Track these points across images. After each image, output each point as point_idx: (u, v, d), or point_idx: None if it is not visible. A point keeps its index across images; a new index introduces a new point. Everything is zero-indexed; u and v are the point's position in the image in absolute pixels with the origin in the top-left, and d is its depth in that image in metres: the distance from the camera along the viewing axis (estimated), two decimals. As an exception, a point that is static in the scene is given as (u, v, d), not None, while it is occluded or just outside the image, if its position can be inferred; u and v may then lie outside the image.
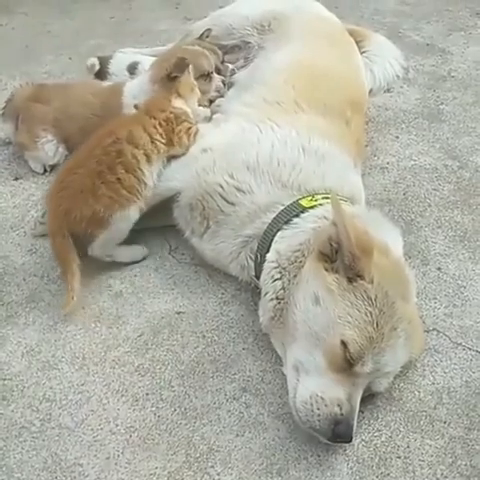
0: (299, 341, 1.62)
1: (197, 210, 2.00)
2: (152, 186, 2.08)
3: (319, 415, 1.52)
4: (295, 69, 2.28)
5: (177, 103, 2.17)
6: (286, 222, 1.80)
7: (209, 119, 2.31)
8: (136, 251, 2.14)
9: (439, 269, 2.02)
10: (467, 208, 2.23)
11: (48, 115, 2.44)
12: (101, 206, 1.99)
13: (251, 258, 1.88)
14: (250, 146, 2.00)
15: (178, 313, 1.95)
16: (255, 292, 1.88)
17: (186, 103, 2.20)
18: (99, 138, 2.11)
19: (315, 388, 1.54)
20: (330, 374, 1.55)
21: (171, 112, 2.13)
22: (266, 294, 1.74)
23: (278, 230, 1.80)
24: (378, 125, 2.62)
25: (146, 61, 2.72)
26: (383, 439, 1.61)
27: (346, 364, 1.54)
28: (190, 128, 2.13)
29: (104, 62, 2.76)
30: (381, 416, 1.66)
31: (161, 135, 2.08)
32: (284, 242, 1.75)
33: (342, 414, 1.52)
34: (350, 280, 1.58)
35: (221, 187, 1.94)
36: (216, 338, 1.86)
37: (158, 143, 2.07)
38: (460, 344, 1.81)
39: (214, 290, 2.02)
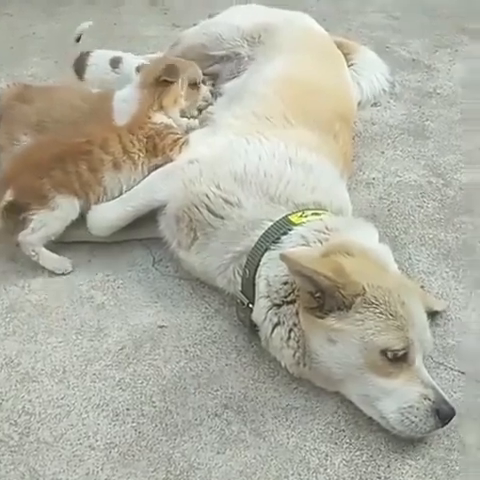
0: (346, 381, 1.65)
1: (184, 222, 1.98)
2: (116, 193, 2.14)
3: (420, 420, 1.57)
4: (284, 82, 2.28)
5: (157, 118, 2.18)
6: (274, 241, 1.79)
7: (198, 127, 2.31)
8: (62, 263, 2.12)
9: (422, 287, 2.02)
10: (451, 226, 2.24)
11: (31, 117, 2.37)
12: (49, 184, 2.06)
13: (239, 273, 1.87)
14: (237, 157, 1.99)
15: (161, 327, 1.93)
16: (239, 307, 1.87)
17: (167, 114, 2.20)
18: (74, 134, 2.17)
19: (397, 405, 1.58)
20: (396, 383, 1.59)
21: (151, 128, 2.15)
22: (273, 340, 1.73)
23: (266, 249, 1.79)
24: (365, 140, 2.63)
25: (128, 58, 2.71)
26: (364, 458, 1.61)
27: (399, 363, 1.59)
28: (177, 140, 2.14)
29: (84, 56, 2.71)
30: (362, 435, 1.66)
31: (140, 150, 2.13)
32: (272, 267, 1.75)
33: (434, 401, 1.57)
34: (347, 307, 1.60)
35: (208, 198, 1.93)
36: (199, 353, 1.85)
37: (133, 155, 2.11)
38: (442, 364, 1.81)
39: (197, 304, 2.00)
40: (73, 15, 3.70)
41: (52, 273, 2.09)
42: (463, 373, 1.78)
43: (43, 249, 2.09)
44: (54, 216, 2.08)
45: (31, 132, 2.37)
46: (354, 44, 2.99)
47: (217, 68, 2.76)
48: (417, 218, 2.29)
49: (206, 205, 1.93)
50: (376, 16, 3.56)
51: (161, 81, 2.27)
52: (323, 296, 1.63)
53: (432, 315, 1.85)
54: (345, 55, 2.83)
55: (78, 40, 2.70)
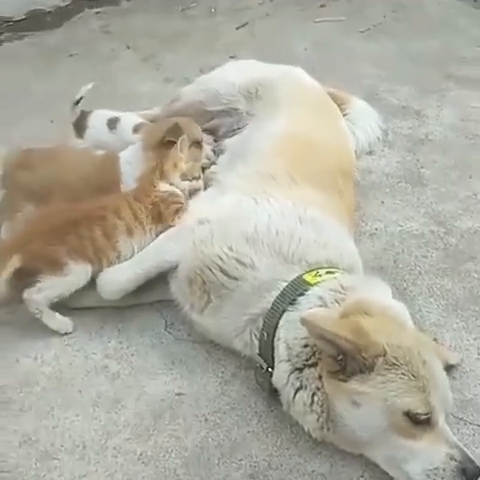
0: (371, 443, 1.64)
1: (196, 284, 1.99)
2: (128, 257, 2.16)
3: None
4: (286, 140, 2.32)
5: (161, 186, 2.21)
6: (291, 302, 1.80)
7: (202, 189, 2.33)
8: (64, 324, 2.12)
9: (435, 340, 2.04)
10: (456, 276, 2.27)
11: (34, 184, 2.37)
12: (62, 249, 2.06)
13: (256, 336, 1.87)
14: (248, 217, 2.02)
15: (178, 395, 1.92)
16: (258, 371, 1.87)
17: (169, 181, 2.23)
18: (87, 204, 2.20)
19: (423, 466, 1.58)
20: (421, 444, 1.59)
21: (156, 196, 2.18)
22: (295, 405, 1.72)
23: (283, 311, 1.80)
24: (363, 189, 2.67)
25: (126, 118, 2.74)
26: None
27: (423, 424, 1.59)
28: (179, 209, 2.19)
29: (85, 115, 2.74)
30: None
31: (147, 217, 2.17)
32: (291, 329, 1.75)
33: (460, 461, 1.57)
34: (369, 369, 1.60)
35: (221, 259, 1.94)
36: (219, 421, 1.84)
37: (143, 222, 2.15)
38: (461, 419, 1.82)
39: (214, 368, 1.99)
40: (67, 73, 3.73)
41: (66, 344, 2.08)
42: (483, 427, 1.79)
43: (47, 308, 2.08)
44: (65, 281, 2.08)
45: (35, 199, 2.37)
46: (345, 94, 3.05)
47: (216, 123, 2.80)
48: (423, 268, 2.31)
49: (219, 266, 1.94)
50: (363, 65, 3.63)
51: (166, 142, 2.30)
52: (345, 359, 1.63)
53: (447, 369, 1.86)
54: (338, 106, 2.89)
55: (77, 102, 2.72)
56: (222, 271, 1.93)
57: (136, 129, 2.64)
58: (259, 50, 3.76)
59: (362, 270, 2.06)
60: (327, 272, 1.86)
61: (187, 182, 2.28)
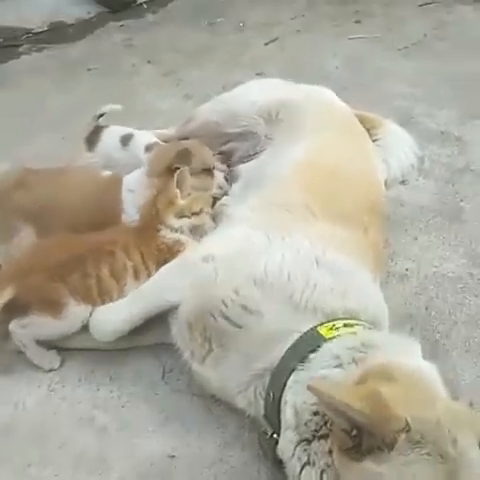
0: None
1: (197, 330, 1.75)
2: None
3: None
4: (306, 168, 2.07)
5: (167, 233, 1.99)
6: (301, 359, 1.54)
7: (211, 226, 2.07)
8: (49, 360, 1.92)
9: (471, 405, 1.76)
10: (498, 328, 1.99)
11: (31, 204, 2.18)
12: (65, 288, 1.84)
13: (261, 395, 1.62)
14: (257, 256, 1.77)
15: (171, 457, 1.68)
16: (262, 436, 1.61)
17: (162, 221, 1.99)
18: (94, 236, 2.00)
19: None
20: None
21: (162, 242, 1.97)
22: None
23: (293, 370, 1.54)
24: (394, 223, 2.40)
25: (140, 135, 2.56)
26: None
27: None
28: None
29: (99, 130, 2.58)
30: None
31: (152, 262, 1.94)
32: (300, 392, 1.49)
33: None
34: (389, 446, 1.32)
35: (224, 304, 1.70)
36: (214, 493, 1.59)
37: (149, 266, 1.93)
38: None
39: (213, 428, 1.75)
40: (85, 88, 3.60)
41: (51, 390, 1.87)
42: None
43: (33, 343, 1.88)
44: (59, 323, 1.86)
45: (32, 221, 2.18)
46: (377, 117, 2.79)
47: (232, 146, 2.56)
48: (459, 318, 2.03)
49: (222, 312, 1.69)
50: (397, 85, 3.36)
51: (173, 169, 2.08)
52: (360, 434, 1.36)
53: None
54: (368, 130, 2.64)
55: (99, 118, 2.56)
56: (225, 317, 1.68)
57: (148, 148, 2.44)
58: (288, 67, 3.56)
59: (388, 320, 1.79)
60: (345, 325, 1.60)
61: (186, 220, 2.02)
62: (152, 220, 2.00)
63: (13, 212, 2.21)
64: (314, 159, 2.11)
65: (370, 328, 1.65)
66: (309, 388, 1.37)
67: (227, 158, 2.57)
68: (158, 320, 1.90)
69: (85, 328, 1.91)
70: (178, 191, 2.01)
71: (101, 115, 2.55)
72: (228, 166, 2.51)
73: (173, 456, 1.68)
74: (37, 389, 1.87)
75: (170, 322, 1.86)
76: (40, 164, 2.82)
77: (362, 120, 2.64)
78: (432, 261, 2.25)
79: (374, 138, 2.66)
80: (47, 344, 1.92)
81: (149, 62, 3.83)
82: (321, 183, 2.01)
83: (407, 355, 1.54)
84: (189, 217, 2.01)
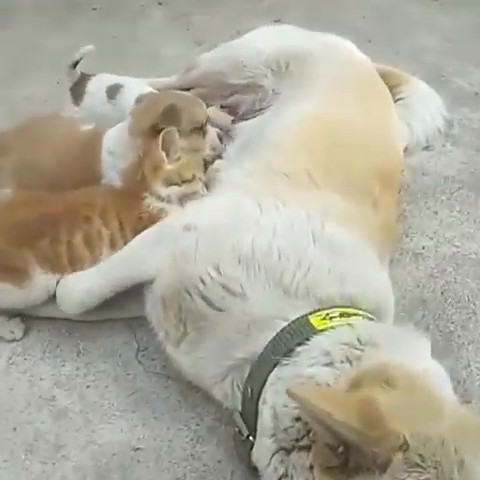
0: None
1: (171, 309, 1.52)
2: None
3: None
4: (312, 129, 1.79)
5: (151, 201, 1.74)
6: (287, 352, 1.31)
7: (202, 192, 1.80)
8: (11, 329, 1.72)
9: (485, 411, 1.52)
10: (523, 320, 1.73)
11: (7, 168, 1.95)
12: (29, 257, 1.63)
13: (239, 387, 1.40)
14: (245, 229, 1.52)
15: (135, 450, 1.48)
16: (237, 435, 1.39)
17: (147, 188, 1.74)
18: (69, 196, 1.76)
19: None
20: None
21: (145, 211, 1.72)
22: None
23: (276, 363, 1.31)
24: (412, 195, 2.13)
25: (131, 85, 2.26)
26: None
27: None
28: None
29: (84, 79, 2.29)
30: None
31: (130, 231, 1.70)
32: (281, 392, 1.25)
33: None
34: (381, 467, 1.09)
35: (203, 282, 1.46)
36: (181, 494, 1.39)
37: (127, 235, 1.69)
38: None
39: (186, 418, 1.54)
40: (86, 28, 3.33)
41: (11, 362, 1.67)
42: None
43: None
44: (21, 293, 1.66)
45: (9, 183, 1.93)
46: (402, 74, 2.48)
47: (237, 99, 2.30)
48: (478, 307, 1.78)
49: (200, 291, 1.46)
50: (430, 37, 3.03)
51: (159, 130, 1.79)
52: (347, 451, 1.13)
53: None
54: (392, 87, 2.33)
55: (74, 66, 2.27)
56: (203, 297, 1.45)
57: (139, 101, 2.14)
58: (310, 15, 3.23)
59: (393, 309, 1.55)
60: (341, 314, 1.36)
61: (175, 188, 1.75)
62: (136, 186, 1.75)
63: None
64: (322, 119, 1.83)
65: (371, 319, 1.41)
66: (288, 392, 1.13)
67: (232, 113, 2.31)
68: (135, 291, 1.68)
69: (54, 296, 1.71)
70: (164, 154, 1.75)
71: (76, 63, 2.26)
72: (233, 122, 2.25)
73: (138, 448, 1.48)
74: (-5, 360, 1.68)
75: (145, 296, 1.64)
76: (30, 108, 2.67)
77: (385, 76, 2.33)
78: (453, 240, 1.97)
79: (397, 97, 2.37)
80: (10, 312, 1.72)
81: (159, 3, 3.53)
82: (327, 147, 1.73)
83: (413, 354, 1.30)
84: (179, 185, 1.76)
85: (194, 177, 1.76)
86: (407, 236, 1.99)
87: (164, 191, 1.74)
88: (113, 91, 2.22)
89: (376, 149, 1.83)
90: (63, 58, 2.95)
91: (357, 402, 1.14)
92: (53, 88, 2.77)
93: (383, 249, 1.63)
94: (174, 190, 1.74)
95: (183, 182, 1.75)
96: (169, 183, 1.74)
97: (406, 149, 2.25)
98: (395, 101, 2.31)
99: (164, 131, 1.74)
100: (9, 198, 1.80)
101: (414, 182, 2.18)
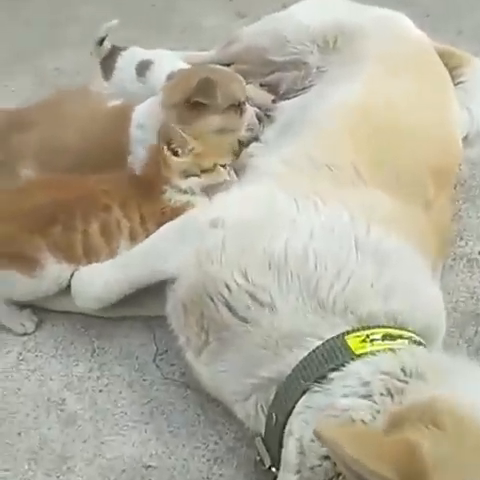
0: None
1: (193, 315, 1.37)
2: None
3: None
4: (359, 116, 1.59)
5: (176, 196, 1.59)
6: (318, 378, 1.15)
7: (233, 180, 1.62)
8: (22, 321, 1.60)
9: None
10: None
11: (29, 147, 1.81)
12: (42, 242, 1.50)
13: (263, 409, 1.25)
14: (278, 229, 1.35)
15: (146, 468, 1.35)
16: (259, 463, 1.25)
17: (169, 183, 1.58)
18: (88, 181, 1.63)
19: None
20: None
21: (168, 206, 1.58)
22: None
23: (306, 390, 1.15)
24: (470, 192, 1.91)
25: (163, 62, 2.09)
26: None
27: None
28: None
29: (115, 53, 2.14)
30: None
31: (153, 225, 1.55)
32: (311, 423, 1.09)
33: None
34: None
35: (228, 288, 1.30)
36: (193, 524, 1.26)
37: (149, 229, 1.55)
38: None
39: (204, 434, 1.40)
40: (124, -4, 3.17)
41: (21, 359, 1.56)
42: None
43: (1, 301, 1.59)
44: (31, 283, 1.53)
45: (32, 164, 1.80)
46: (464, 54, 2.23)
47: (278, 77, 2.10)
48: None
49: (224, 298, 1.30)
50: (496, 15, 2.77)
51: (193, 103, 1.65)
52: None
53: None
54: (452, 69, 2.10)
55: (101, 43, 2.12)
56: (227, 305, 1.29)
57: (171, 78, 1.97)
58: (364, -14, 3.00)
59: (444, 328, 1.36)
60: (384, 336, 1.18)
61: (194, 179, 1.59)
62: (156, 178, 1.60)
63: (14, 158, 1.84)
64: (371, 104, 1.62)
65: (418, 341, 1.22)
66: (315, 433, 0.97)
67: (273, 91, 2.13)
68: (157, 287, 1.53)
69: (69, 288, 1.58)
70: (165, 148, 1.59)
71: (102, 39, 2.10)
72: (273, 101, 2.07)
73: (149, 466, 1.35)
74: (5, 356, 1.56)
75: (167, 294, 1.49)
76: (60, 79, 2.54)
77: (445, 56, 2.10)
78: (514, 245, 1.77)
79: (458, 80, 2.12)
80: (21, 303, 1.60)
81: (202, -31, 3.33)
82: (376, 137, 1.53)
83: (468, 389, 1.11)
84: (199, 176, 1.59)
85: (215, 166, 1.58)
86: (461, 239, 1.79)
87: (184, 183, 1.58)
88: (143, 68, 2.06)
89: (433, 140, 1.62)
90: (96, 28, 2.86)
91: (396, 447, 0.97)
92: (85, 59, 2.59)
93: (436, 258, 1.44)
94: (194, 181, 1.58)
95: (202, 172, 1.58)
96: (187, 175, 1.58)
97: (465, 138, 2.02)
98: (455, 84, 2.08)
99: (160, 126, 1.62)
100: (25, 181, 1.67)
101: (472, 177, 1.96)
